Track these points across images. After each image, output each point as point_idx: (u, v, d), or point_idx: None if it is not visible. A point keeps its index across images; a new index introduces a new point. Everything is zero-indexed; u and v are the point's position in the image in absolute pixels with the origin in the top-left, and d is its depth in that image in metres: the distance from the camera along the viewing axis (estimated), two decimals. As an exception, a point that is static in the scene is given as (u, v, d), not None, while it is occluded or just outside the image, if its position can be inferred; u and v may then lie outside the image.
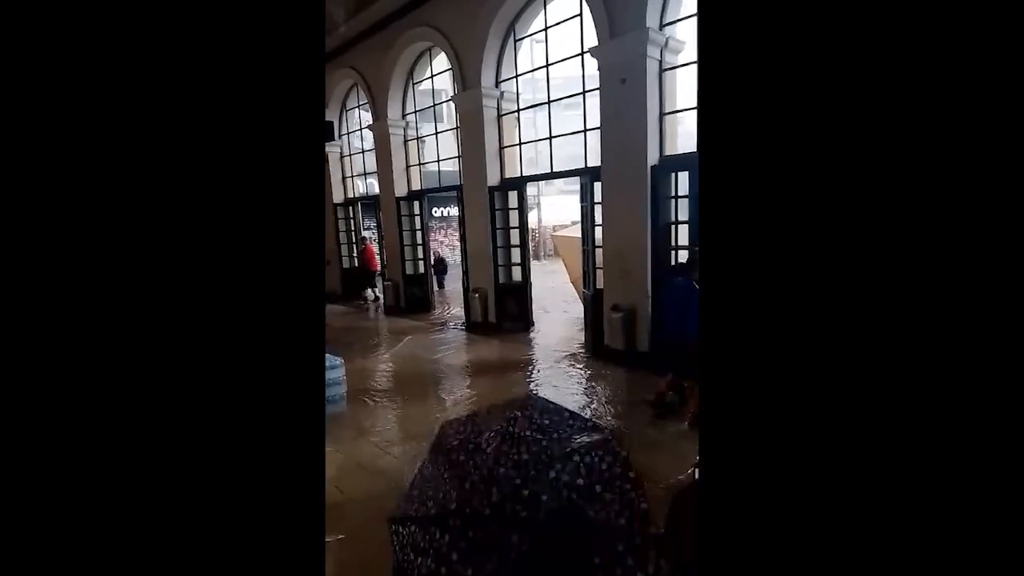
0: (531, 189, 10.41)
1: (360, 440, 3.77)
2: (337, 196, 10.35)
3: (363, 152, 10.05)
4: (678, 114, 4.92)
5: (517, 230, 6.82)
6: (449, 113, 9.39)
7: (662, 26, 4.71)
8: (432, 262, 9.13)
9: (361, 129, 9.81)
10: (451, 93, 7.53)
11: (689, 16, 4.62)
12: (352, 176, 10.42)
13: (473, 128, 6.78)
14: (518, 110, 6.79)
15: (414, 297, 8.72)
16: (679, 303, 3.51)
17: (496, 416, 1.43)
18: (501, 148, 6.81)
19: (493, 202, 6.77)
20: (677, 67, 4.87)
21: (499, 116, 6.75)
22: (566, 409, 1.43)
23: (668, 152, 4.89)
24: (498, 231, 6.84)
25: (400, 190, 8.57)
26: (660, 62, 4.75)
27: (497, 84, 6.66)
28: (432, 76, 8.16)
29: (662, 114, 4.85)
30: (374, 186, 9.43)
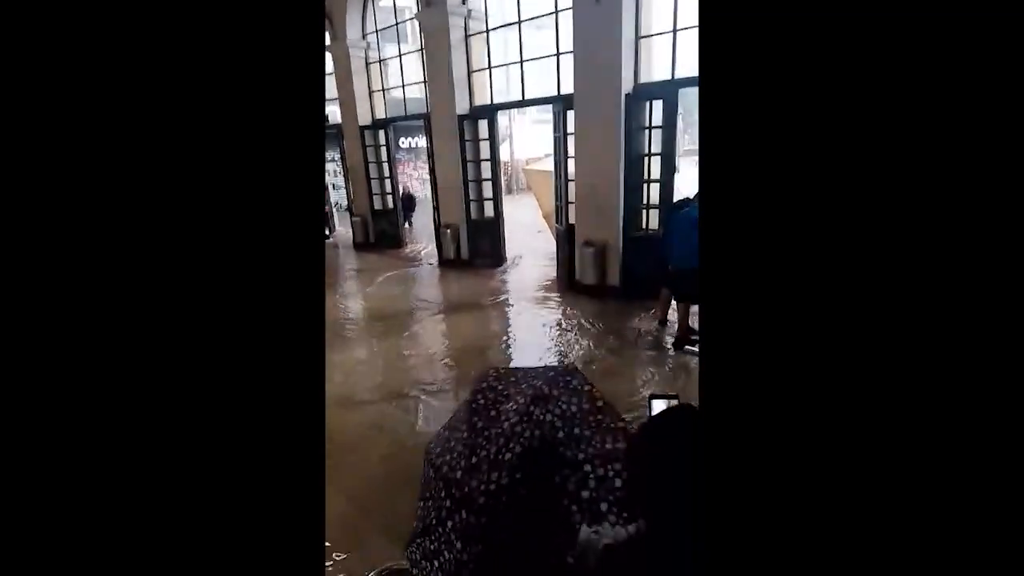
0: (503, 120, 10.00)
1: (336, 379, 3.81)
2: (296, 126, 9.72)
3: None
4: (653, 38, 4.69)
5: (488, 163, 6.61)
6: (414, 33, 8.70)
7: (641, -64, 4.37)
8: (400, 197, 8.84)
9: (318, 50, 9.05)
10: (414, 11, 6.94)
11: (670, -75, 4.28)
12: (311, 103, 9.74)
13: (439, 50, 6.34)
14: (487, 30, 6.34)
15: (383, 233, 8.52)
16: (684, 232, 3.59)
17: (532, 379, 1.35)
18: (470, 73, 6.43)
19: (463, 132, 6.49)
20: (655, -16, 4.57)
21: (467, 36, 6.31)
22: (602, 399, 1.30)
23: (643, 80, 4.71)
24: (469, 164, 6.62)
25: (364, 118, 8.10)
26: (638, -22, 4.45)
27: (464, 1, 6.16)
28: (393, -10, 7.46)
29: (637, 38, 4.61)
30: (336, 114, 8.86)
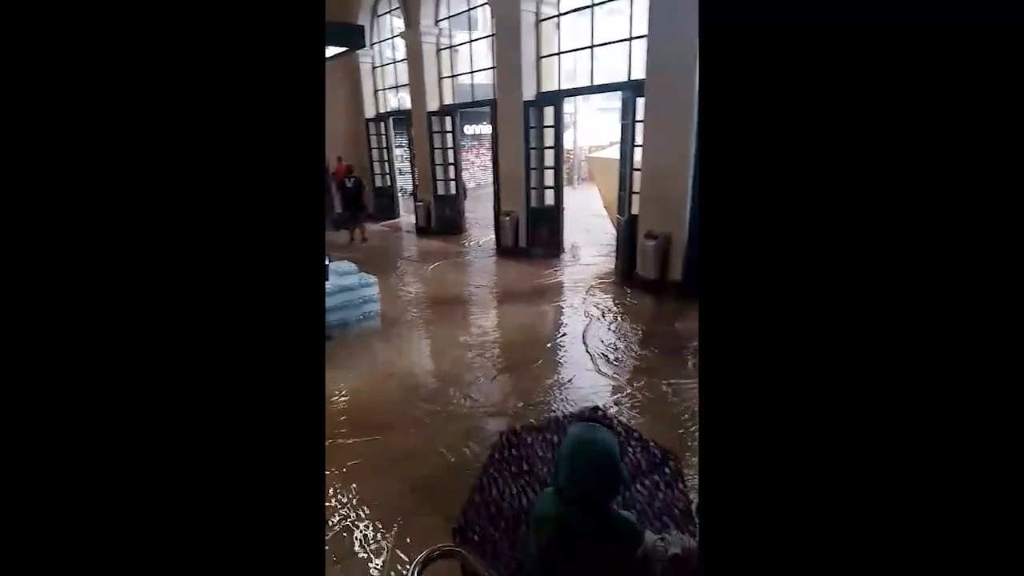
0: (567, 107, 9.84)
1: (390, 354, 3.94)
2: (368, 111, 10.07)
3: (395, 63, 9.58)
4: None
5: (552, 150, 6.53)
6: (484, 19, 8.71)
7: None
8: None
9: (393, 37, 9.29)
10: (487, -5, 6.94)
11: None
12: (384, 89, 10.04)
13: (510, 35, 6.31)
14: (559, 15, 6.22)
15: (444, 218, 8.68)
16: None
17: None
18: (539, 58, 6.35)
19: (528, 119, 6.44)
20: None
21: (538, 21, 6.23)
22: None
23: (722, 65, 4.44)
24: (532, 151, 6.57)
25: (432, 104, 8.24)
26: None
27: (537, -15, 6.07)
28: (467, -25, 7.50)
29: (720, 20, 4.34)
30: (406, 100, 9.08)
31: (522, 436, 1.42)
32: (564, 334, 4.30)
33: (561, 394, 3.25)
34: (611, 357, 3.76)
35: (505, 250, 7.08)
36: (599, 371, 3.55)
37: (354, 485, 2.37)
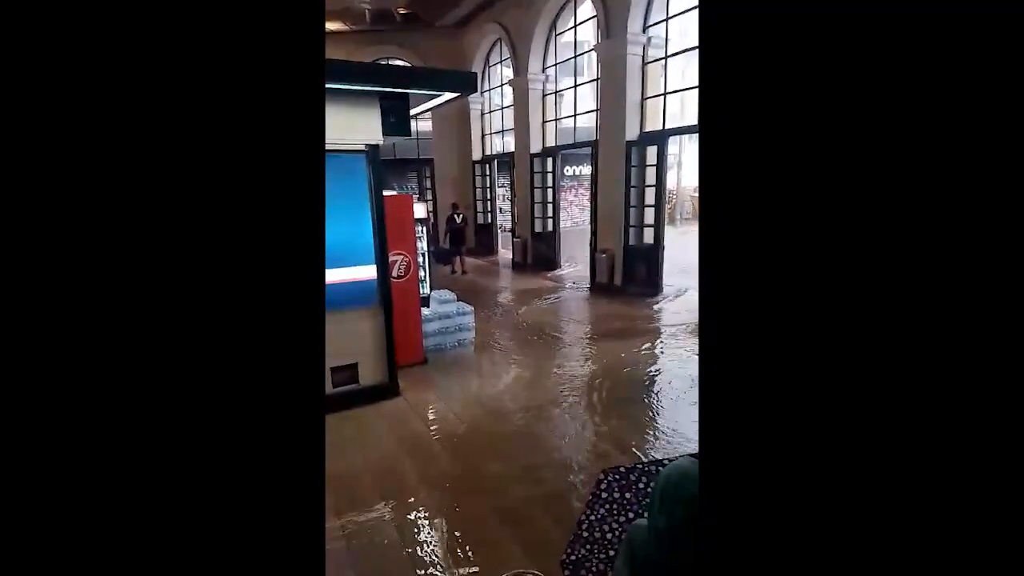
0: (672, 147, 9.68)
1: (481, 382, 4.01)
2: (475, 154, 10.73)
3: (502, 109, 10.20)
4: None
5: (653, 188, 6.42)
6: (589, 65, 9.00)
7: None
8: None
9: (502, 85, 9.93)
10: (593, 44, 7.19)
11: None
12: (490, 133, 10.68)
13: (614, 78, 6.43)
14: (665, 57, 6.24)
15: (540, 255, 8.83)
16: None
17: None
18: (643, 99, 6.37)
19: (629, 157, 6.43)
20: None
21: (644, 64, 6.29)
22: None
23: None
24: (632, 189, 6.51)
25: (535, 147, 8.57)
26: None
27: (644, 29, 6.17)
28: (575, 25, 7.85)
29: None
30: (510, 144, 9.56)
31: (625, 474, 1.35)
32: (656, 373, 4.08)
33: (658, 439, 3.06)
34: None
35: (599, 287, 6.98)
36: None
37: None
